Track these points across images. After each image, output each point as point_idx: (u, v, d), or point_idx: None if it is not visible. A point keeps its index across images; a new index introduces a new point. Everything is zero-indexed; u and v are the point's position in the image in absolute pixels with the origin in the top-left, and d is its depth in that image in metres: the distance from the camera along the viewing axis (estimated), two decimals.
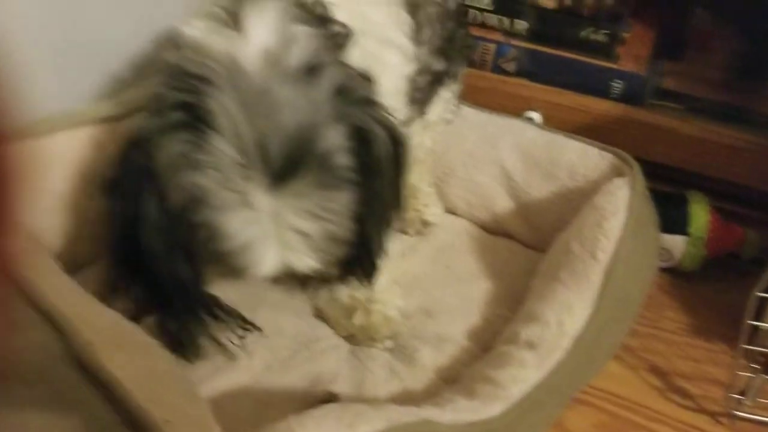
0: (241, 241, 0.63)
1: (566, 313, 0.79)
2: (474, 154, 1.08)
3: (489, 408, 0.71)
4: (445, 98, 1.03)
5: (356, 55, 0.73)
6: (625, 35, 1.28)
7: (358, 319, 0.86)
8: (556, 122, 1.16)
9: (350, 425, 0.62)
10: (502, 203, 1.06)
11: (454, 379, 0.83)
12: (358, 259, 0.73)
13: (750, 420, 0.90)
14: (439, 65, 0.95)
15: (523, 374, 0.75)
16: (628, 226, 0.85)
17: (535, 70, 1.26)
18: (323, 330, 0.88)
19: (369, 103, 0.68)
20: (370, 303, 0.86)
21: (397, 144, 0.70)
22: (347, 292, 0.86)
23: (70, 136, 0.84)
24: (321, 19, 0.71)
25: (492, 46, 1.27)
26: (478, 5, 1.27)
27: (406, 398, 0.80)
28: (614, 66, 1.23)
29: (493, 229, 1.08)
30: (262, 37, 0.65)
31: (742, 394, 0.89)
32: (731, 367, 0.90)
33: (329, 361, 0.84)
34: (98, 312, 0.68)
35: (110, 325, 0.66)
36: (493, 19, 1.27)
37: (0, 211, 0.31)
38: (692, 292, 1.10)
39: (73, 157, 0.85)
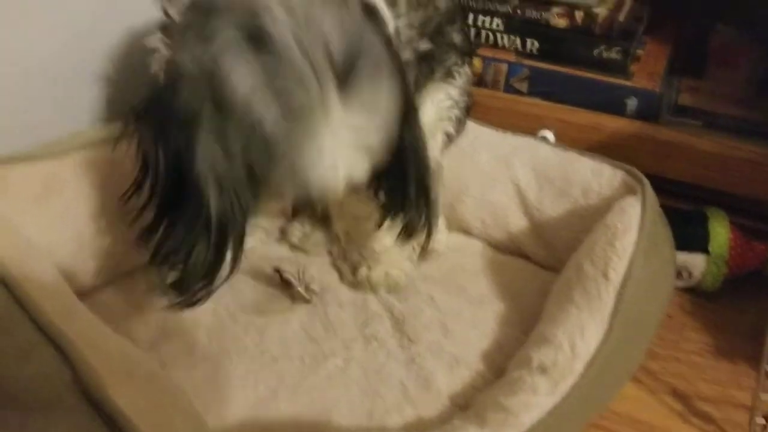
0: (315, 147, 0.66)
1: (578, 335, 0.77)
2: (488, 173, 1.06)
3: None
4: (438, 99, 1.01)
5: None
6: (639, 52, 1.26)
7: (361, 273, 0.98)
8: (570, 141, 1.14)
9: None
10: (517, 222, 1.05)
11: (467, 404, 0.81)
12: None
13: None
14: (424, 45, 0.94)
15: (535, 401, 0.73)
16: (640, 244, 0.83)
17: (548, 89, 1.25)
18: (330, 343, 0.88)
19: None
20: (375, 262, 0.97)
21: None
22: (356, 252, 0.98)
23: (81, 156, 0.87)
24: None
25: (504, 66, 1.26)
26: (489, 26, 1.26)
27: (417, 426, 0.78)
28: (628, 83, 1.21)
29: (507, 249, 1.06)
30: None
31: (766, 418, 0.86)
32: (755, 390, 0.87)
33: (338, 387, 0.82)
34: (106, 338, 0.67)
35: (118, 352, 0.65)
36: (504, 39, 1.26)
37: None
38: (714, 312, 1.07)
39: (83, 177, 0.86)
